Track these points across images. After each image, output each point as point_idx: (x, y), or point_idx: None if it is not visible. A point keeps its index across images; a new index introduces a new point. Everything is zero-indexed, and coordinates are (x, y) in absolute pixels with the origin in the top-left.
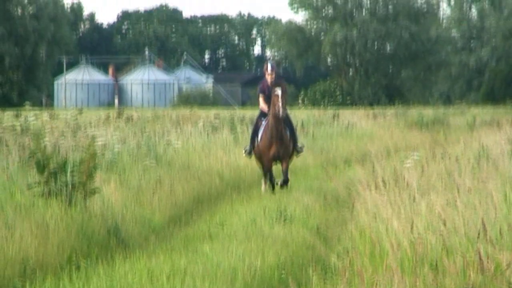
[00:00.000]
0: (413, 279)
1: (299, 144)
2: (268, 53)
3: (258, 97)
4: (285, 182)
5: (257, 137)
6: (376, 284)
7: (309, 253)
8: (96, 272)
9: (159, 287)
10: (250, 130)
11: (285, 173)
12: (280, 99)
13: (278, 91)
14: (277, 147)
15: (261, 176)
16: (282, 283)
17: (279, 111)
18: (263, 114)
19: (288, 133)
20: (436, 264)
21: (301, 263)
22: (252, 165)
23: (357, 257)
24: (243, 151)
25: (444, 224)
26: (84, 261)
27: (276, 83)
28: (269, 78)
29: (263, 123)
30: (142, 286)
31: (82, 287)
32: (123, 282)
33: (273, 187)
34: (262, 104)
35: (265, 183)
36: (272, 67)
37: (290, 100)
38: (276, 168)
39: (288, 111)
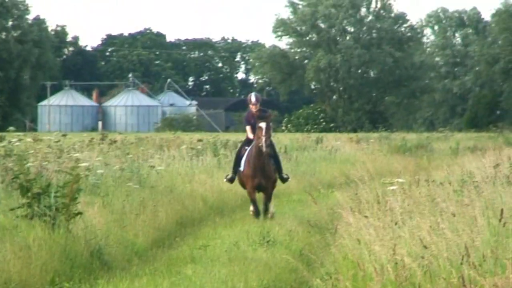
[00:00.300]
0: None
1: (284, 175)
2: (252, 78)
3: (245, 127)
4: (268, 213)
5: (240, 165)
6: None
7: (292, 277)
8: None
9: None
10: (233, 155)
11: (266, 204)
12: (264, 134)
13: (263, 125)
14: (260, 178)
15: (245, 200)
16: None
17: (262, 147)
18: (247, 142)
19: (272, 163)
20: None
21: (284, 286)
22: (235, 189)
23: (340, 280)
24: (224, 178)
25: (425, 247)
26: (67, 283)
27: (261, 116)
28: (253, 108)
29: (247, 150)
30: None
31: None
32: None
33: (258, 214)
34: (250, 134)
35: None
36: (256, 98)
37: (274, 125)
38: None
39: (273, 140)
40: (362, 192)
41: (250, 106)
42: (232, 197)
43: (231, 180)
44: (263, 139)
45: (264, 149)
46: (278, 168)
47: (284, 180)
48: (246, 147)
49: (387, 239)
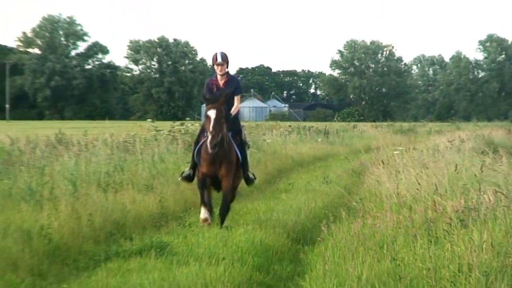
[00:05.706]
0: (397, 215)
1: (250, 174)
2: (319, 91)
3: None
4: (224, 211)
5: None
6: (377, 218)
7: (340, 200)
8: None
9: (258, 219)
10: (310, 135)
11: (226, 197)
12: (211, 128)
13: (211, 114)
14: (217, 166)
15: (315, 157)
16: (325, 216)
17: (208, 145)
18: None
19: (235, 150)
20: (410, 207)
21: (336, 206)
22: (312, 151)
23: (367, 203)
24: (180, 177)
25: (419, 184)
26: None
27: (210, 98)
28: (218, 71)
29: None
30: (247, 220)
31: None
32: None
33: (209, 210)
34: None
35: (205, 206)
36: (222, 56)
37: (328, 118)
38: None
39: (244, 126)
40: (379, 154)
41: (215, 67)
42: (307, 156)
43: (187, 178)
44: (209, 136)
45: (209, 149)
46: (243, 165)
47: (248, 181)
48: (206, 133)
49: (393, 180)
